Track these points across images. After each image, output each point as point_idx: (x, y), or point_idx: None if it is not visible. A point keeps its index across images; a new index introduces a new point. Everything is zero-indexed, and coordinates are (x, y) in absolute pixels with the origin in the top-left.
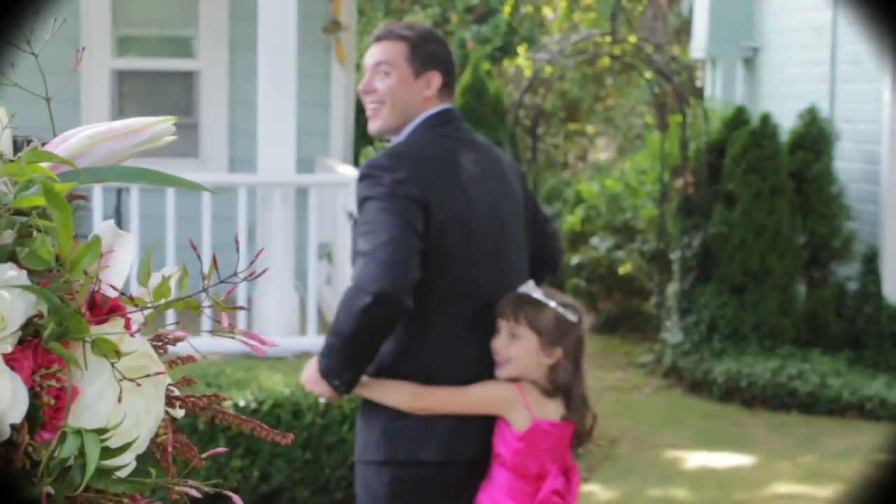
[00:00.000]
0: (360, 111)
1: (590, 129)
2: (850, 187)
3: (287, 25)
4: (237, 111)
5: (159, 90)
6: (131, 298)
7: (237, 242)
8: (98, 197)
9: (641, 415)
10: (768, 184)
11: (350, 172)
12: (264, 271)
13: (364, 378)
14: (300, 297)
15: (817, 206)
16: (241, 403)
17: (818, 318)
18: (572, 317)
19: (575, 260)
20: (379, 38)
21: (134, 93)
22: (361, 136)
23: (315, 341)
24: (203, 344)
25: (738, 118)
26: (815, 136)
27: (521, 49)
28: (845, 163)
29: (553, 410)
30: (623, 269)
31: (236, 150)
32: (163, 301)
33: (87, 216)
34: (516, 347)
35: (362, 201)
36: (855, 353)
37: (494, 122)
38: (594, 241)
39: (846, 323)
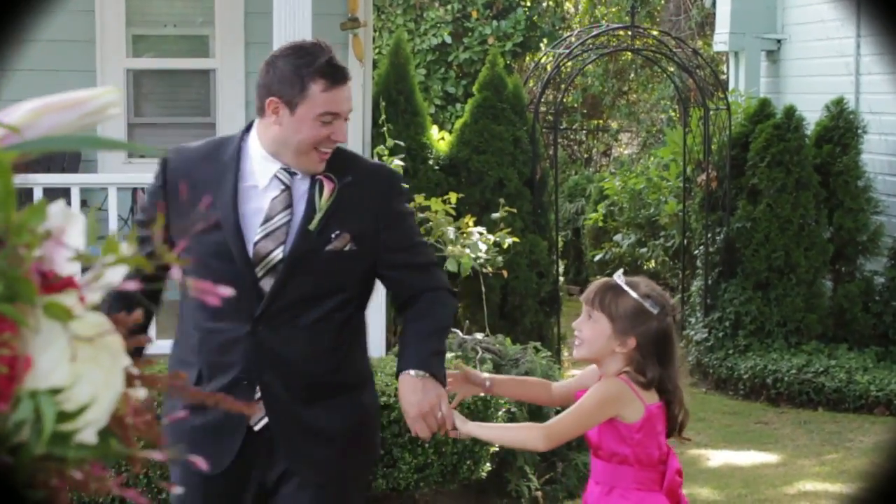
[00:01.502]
0: (375, 107)
1: (613, 124)
2: (876, 180)
3: (302, 22)
4: (253, 109)
5: (176, 89)
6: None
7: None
8: (113, 196)
9: None
10: (793, 177)
11: None
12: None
13: (475, 425)
14: None
15: (844, 200)
16: None
17: (845, 314)
18: (653, 308)
19: (598, 256)
20: (345, 80)
21: (150, 92)
22: (378, 135)
23: None
24: None
25: (761, 111)
26: (842, 129)
27: (542, 45)
28: (871, 155)
29: (651, 397)
30: (647, 266)
31: None
32: (112, 258)
33: (103, 217)
34: (589, 330)
35: (406, 215)
36: (883, 348)
37: (513, 117)
38: (617, 237)
39: (873, 318)
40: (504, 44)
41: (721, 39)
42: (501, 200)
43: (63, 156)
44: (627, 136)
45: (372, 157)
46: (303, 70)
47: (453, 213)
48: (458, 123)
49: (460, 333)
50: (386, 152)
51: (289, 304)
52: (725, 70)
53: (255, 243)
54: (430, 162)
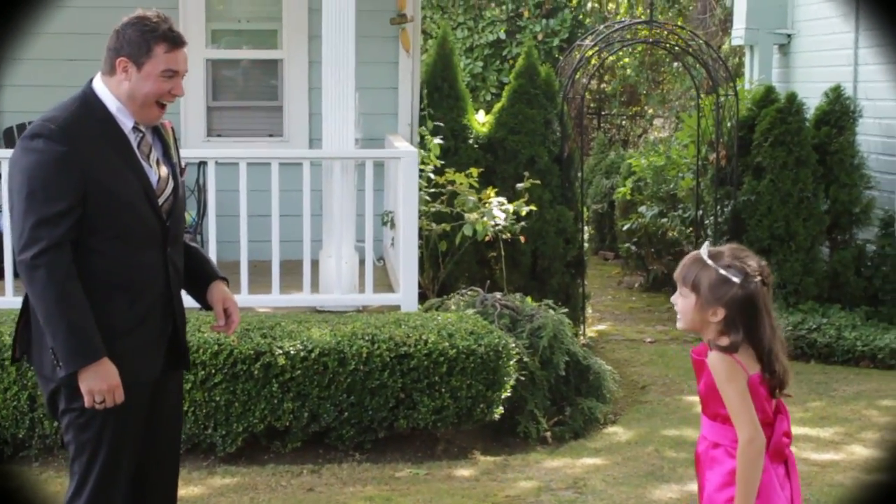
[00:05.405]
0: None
1: (650, 110)
2: (870, 159)
3: (347, 19)
4: (315, 95)
5: (248, 77)
6: None
7: None
8: None
9: (674, 363)
10: (793, 156)
11: (405, 147)
12: None
13: None
14: (361, 259)
15: (839, 176)
16: (292, 352)
17: (839, 277)
18: (735, 277)
19: (626, 226)
20: (183, 44)
21: (226, 79)
22: (423, 117)
23: (372, 298)
24: (272, 300)
25: (766, 97)
26: (838, 113)
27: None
28: (866, 136)
29: (753, 367)
30: (670, 235)
31: (315, 129)
32: None
33: None
34: (682, 304)
35: None
36: (872, 308)
37: (544, 102)
38: (642, 209)
39: (865, 281)
40: (552, 40)
41: (738, 34)
42: (526, 174)
43: None
44: (661, 121)
45: (413, 135)
46: (148, 35)
47: (476, 185)
48: (496, 107)
49: (482, 292)
50: (427, 133)
51: (177, 224)
52: (733, 62)
53: (158, 181)
54: (470, 141)
